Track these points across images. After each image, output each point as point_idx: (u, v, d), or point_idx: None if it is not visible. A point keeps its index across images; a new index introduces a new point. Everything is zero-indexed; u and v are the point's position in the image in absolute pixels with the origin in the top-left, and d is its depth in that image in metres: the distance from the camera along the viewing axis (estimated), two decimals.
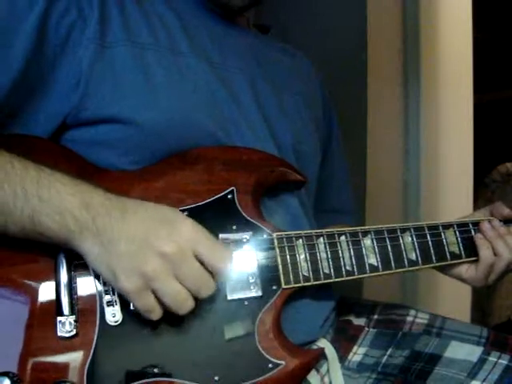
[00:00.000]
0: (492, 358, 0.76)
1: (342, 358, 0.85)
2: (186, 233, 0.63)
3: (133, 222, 0.62)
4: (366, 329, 0.90)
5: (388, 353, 0.84)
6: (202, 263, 0.63)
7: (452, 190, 1.65)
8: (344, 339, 0.88)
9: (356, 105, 1.46)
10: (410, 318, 0.88)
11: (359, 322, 0.91)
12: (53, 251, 0.64)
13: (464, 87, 1.67)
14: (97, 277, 0.65)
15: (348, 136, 1.23)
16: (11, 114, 0.69)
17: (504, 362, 0.75)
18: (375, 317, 0.91)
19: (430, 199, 1.63)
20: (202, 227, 0.65)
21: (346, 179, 1.08)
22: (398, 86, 1.62)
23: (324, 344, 0.82)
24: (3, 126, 0.69)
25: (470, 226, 0.84)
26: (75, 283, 0.64)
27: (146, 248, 0.61)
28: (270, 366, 0.68)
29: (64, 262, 0.64)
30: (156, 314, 0.63)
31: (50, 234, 0.61)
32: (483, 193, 2.17)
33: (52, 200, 0.60)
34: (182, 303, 0.63)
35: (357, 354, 0.87)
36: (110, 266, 0.61)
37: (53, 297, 0.63)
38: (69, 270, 0.64)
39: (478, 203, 2.02)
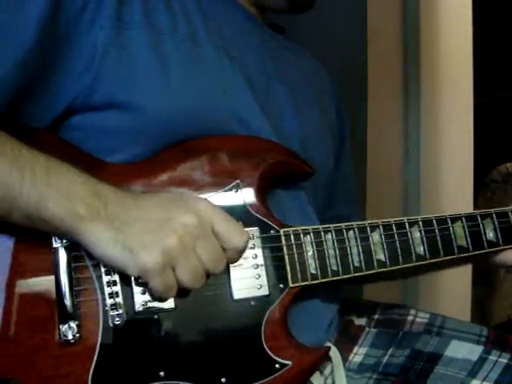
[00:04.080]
0: (492, 357, 0.76)
1: (344, 358, 0.85)
2: (204, 208, 0.61)
3: (148, 206, 0.61)
4: (367, 329, 0.90)
5: (389, 352, 0.84)
6: (217, 238, 0.62)
7: (452, 190, 1.65)
8: (345, 340, 0.88)
9: (356, 105, 1.46)
10: (410, 318, 0.88)
11: (360, 322, 0.91)
12: (52, 255, 0.62)
13: (464, 87, 1.67)
14: (99, 280, 0.63)
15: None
16: (22, 91, 0.65)
17: (504, 360, 0.76)
18: (376, 317, 0.91)
19: (430, 199, 1.63)
20: (216, 205, 0.64)
21: (354, 186, 1.06)
22: (398, 86, 1.62)
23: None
24: (12, 103, 0.65)
25: (479, 219, 0.81)
26: (77, 287, 0.62)
27: (166, 222, 0.59)
28: (277, 366, 0.67)
29: (65, 265, 0.62)
30: (173, 292, 0.61)
31: (56, 221, 0.59)
32: (483, 193, 2.16)
33: (61, 187, 0.58)
34: (199, 280, 0.61)
35: (358, 354, 0.87)
36: (126, 245, 0.58)
37: (55, 302, 0.61)
38: (70, 274, 0.62)
39: (478, 203, 2.02)
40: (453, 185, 1.65)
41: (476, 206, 1.82)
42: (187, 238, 0.59)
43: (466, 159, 1.68)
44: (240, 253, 0.64)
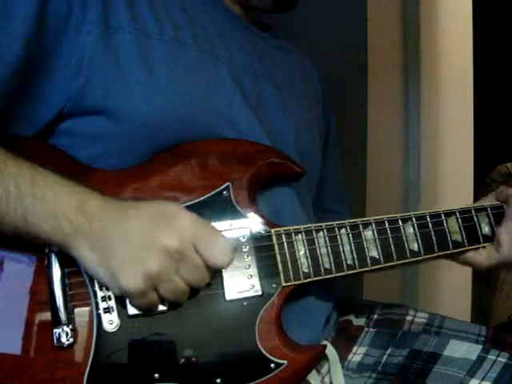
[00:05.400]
0: (491, 356, 0.76)
1: (342, 358, 0.85)
2: (187, 227, 0.61)
3: (131, 225, 0.60)
4: (366, 329, 0.90)
5: (388, 352, 0.84)
6: (200, 257, 0.62)
7: (452, 190, 1.65)
8: (344, 339, 0.88)
9: (356, 105, 1.46)
10: (409, 318, 0.88)
11: (359, 322, 0.91)
12: (45, 259, 0.62)
13: (464, 87, 1.67)
14: (92, 284, 0.63)
15: (348, 136, 1.23)
16: (9, 101, 0.66)
17: (503, 359, 0.75)
18: (375, 317, 0.91)
19: (430, 199, 1.63)
20: (203, 220, 0.64)
21: (341, 181, 1.06)
22: (398, 85, 1.62)
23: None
24: (1, 114, 0.66)
25: (473, 213, 0.81)
26: (70, 291, 0.63)
27: (148, 247, 0.59)
28: (273, 366, 0.67)
29: (58, 270, 0.62)
30: (156, 307, 0.63)
31: (44, 236, 0.59)
32: (483, 193, 2.16)
33: (47, 201, 0.58)
34: (182, 296, 0.63)
35: (357, 354, 0.87)
36: (109, 269, 0.59)
37: (48, 306, 0.62)
38: (63, 279, 0.62)
39: None
40: (453, 185, 1.65)
41: None
42: (168, 262, 0.60)
43: (466, 159, 1.68)
44: (222, 270, 0.65)
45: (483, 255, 0.83)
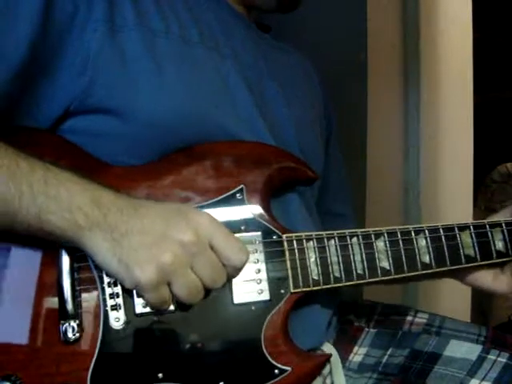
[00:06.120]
0: (491, 356, 0.77)
1: (343, 358, 0.85)
2: (203, 223, 0.61)
3: (147, 217, 0.60)
4: (367, 329, 0.90)
5: (388, 352, 0.84)
6: (216, 254, 0.61)
7: (452, 190, 1.65)
8: (345, 340, 0.88)
9: (356, 105, 1.46)
10: (409, 318, 0.88)
11: (359, 322, 0.92)
12: (55, 254, 0.62)
13: (464, 87, 1.67)
14: (101, 280, 0.63)
15: (348, 136, 1.23)
16: (14, 101, 0.65)
17: (503, 360, 0.76)
18: (375, 317, 0.91)
19: (430, 199, 1.63)
20: (218, 220, 0.63)
21: (344, 181, 1.06)
22: (398, 85, 1.62)
23: (327, 347, 0.82)
24: (5, 113, 0.65)
25: (487, 228, 0.80)
26: (79, 286, 0.63)
27: (162, 239, 0.59)
28: (277, 371, 0.66)
29: (67, 264, 0.62)
30: (168, 305, 0.62)
31: (57, 232, 0.59)
32: (483, 193, 2.17)
33: (61, 198, 0.58)
34: (196, 295, 0.61)
35: (357, 354, 0.87)
36: (122, 260, 0.58)
37: (56, 301, 0.62)
38: (72, 273, 0.62)
39: (478, 203, 2.02)
40: (453, 185, 1.65)
41: (476, 206, 1.82)
42: (183, 255, 0.59)
43: (465, 159, 1.68)
44: (239, 270, 0.64)
45: (504, 282, 0.82)
